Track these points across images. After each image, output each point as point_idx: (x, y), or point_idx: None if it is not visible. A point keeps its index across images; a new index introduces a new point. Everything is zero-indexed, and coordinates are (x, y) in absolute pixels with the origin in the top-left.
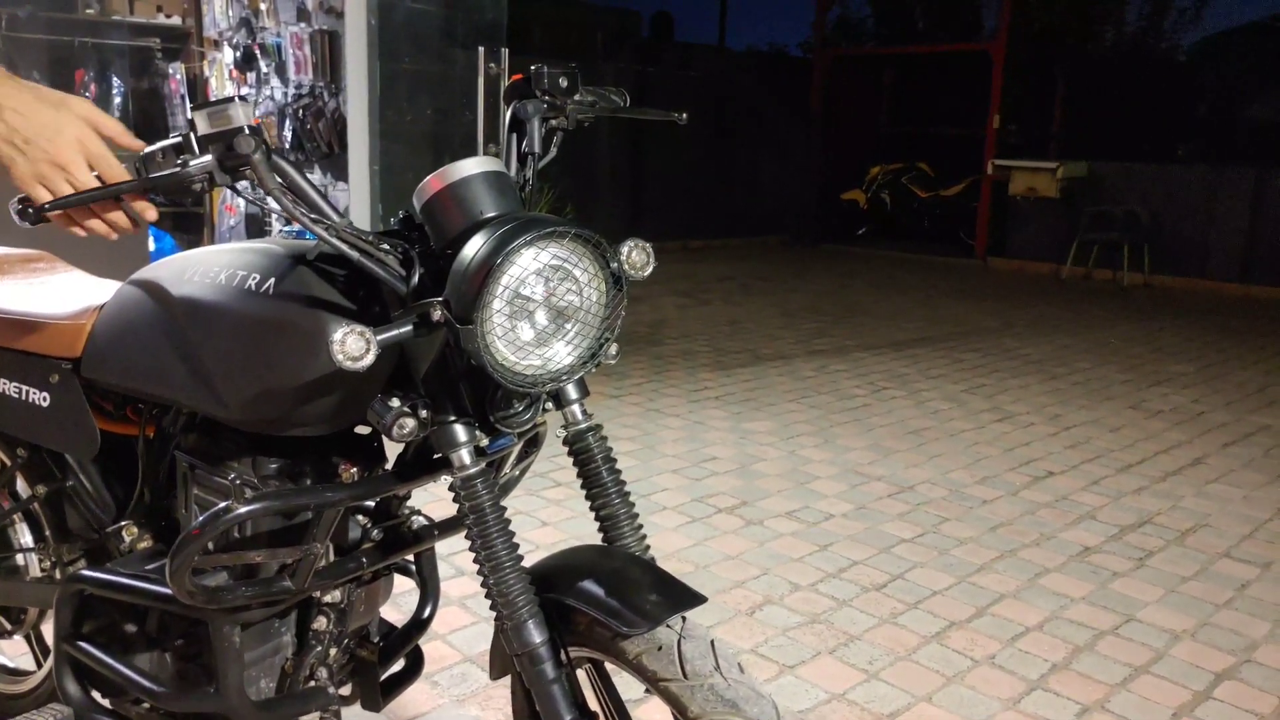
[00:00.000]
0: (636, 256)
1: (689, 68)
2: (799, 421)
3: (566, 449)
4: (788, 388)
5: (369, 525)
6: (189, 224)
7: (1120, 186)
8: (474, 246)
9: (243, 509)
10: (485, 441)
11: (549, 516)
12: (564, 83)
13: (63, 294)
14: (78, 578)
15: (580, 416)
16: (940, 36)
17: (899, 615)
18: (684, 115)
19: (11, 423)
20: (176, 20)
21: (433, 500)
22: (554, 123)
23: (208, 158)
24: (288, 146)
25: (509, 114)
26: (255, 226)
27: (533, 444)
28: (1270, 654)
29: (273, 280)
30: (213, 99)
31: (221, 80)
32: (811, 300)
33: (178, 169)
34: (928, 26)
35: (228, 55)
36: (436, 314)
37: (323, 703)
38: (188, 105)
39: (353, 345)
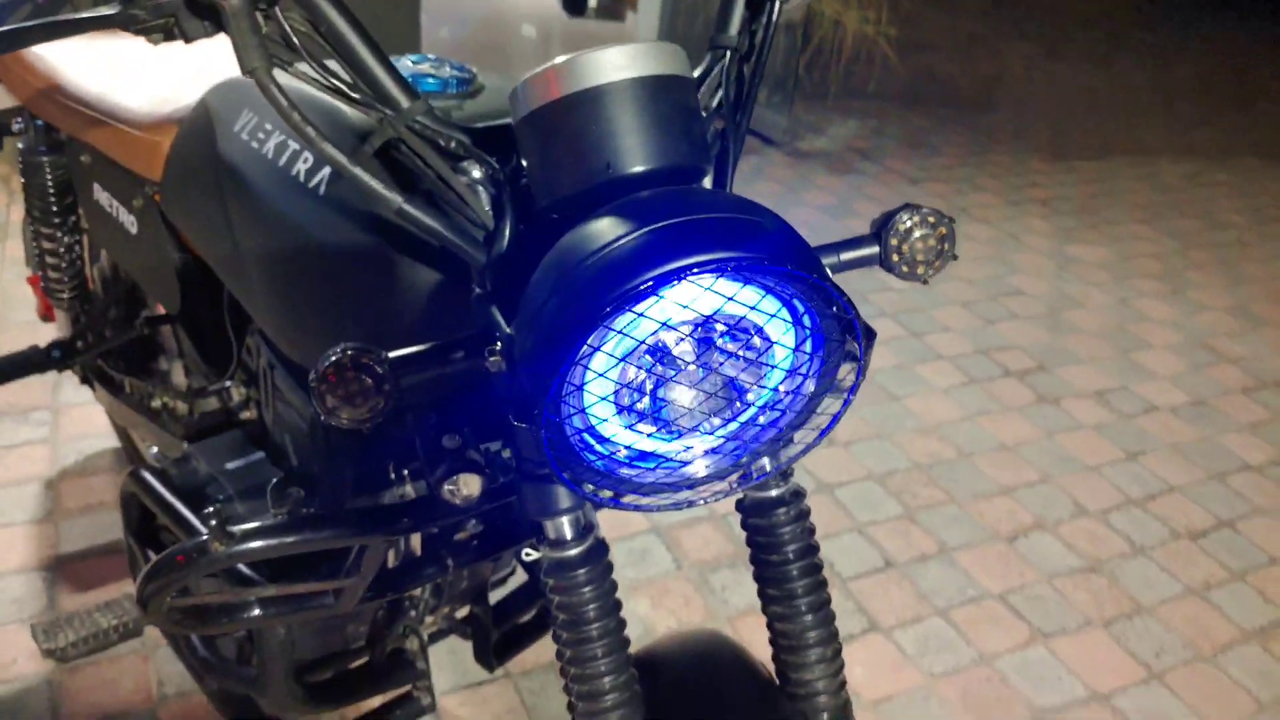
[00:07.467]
0: (921, 241)
1: None
2: (1143, 254)
3: (741, 520)
4: (1141, 199)
5: None
6: None
7: None
8: (568, 260)
9: (222, 552)
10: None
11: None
12: None
13: (156, 85)
14: (135, 476)
15: (767, 469)
16: None
17: (1213, 587)
18: None
19: (109, 242)
20: None
21: None
22: None
23: None
24: None
25: None
26: None
27: None
28: None
29: (326, 173)
30: None
31: None
32: (1207, 71)
33: (118, 8)
34: None
35: None
36: (491, 364)
37: (408, 679)
38: None
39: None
